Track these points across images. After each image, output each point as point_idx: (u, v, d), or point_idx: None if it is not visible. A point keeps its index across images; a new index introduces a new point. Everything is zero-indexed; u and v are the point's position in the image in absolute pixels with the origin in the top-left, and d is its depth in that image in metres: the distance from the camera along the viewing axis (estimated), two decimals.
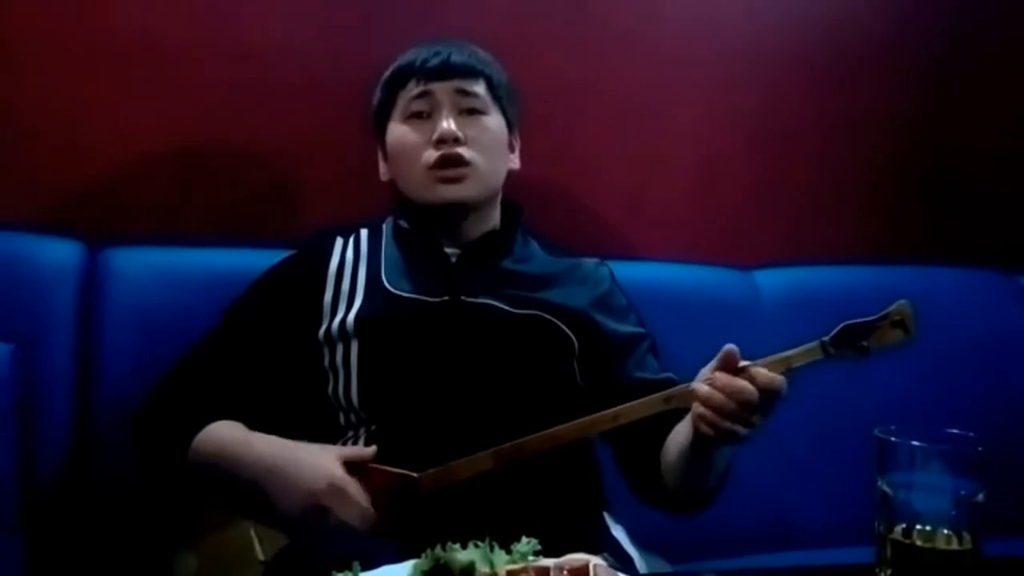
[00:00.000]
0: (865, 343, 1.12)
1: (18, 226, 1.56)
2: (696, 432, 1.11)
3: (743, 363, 1.08)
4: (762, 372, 1.07)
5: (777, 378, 1.08)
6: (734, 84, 1.96)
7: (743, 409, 1.06)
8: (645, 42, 1.90)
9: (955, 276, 1.94)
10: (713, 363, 1.11)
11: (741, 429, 1.07)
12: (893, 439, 0.89)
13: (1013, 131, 2.08)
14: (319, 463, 1.21)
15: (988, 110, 2.07)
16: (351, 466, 1.21)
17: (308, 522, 1.18)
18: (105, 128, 1.66)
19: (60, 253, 1.55)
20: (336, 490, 1.18)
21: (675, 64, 1.92)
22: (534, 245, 1.48)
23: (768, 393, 1.07)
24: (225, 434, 1.29)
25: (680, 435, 1.19)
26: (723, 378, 1.07)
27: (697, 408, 1.09)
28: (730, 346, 1.09)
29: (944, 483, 0.87)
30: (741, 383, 1.06)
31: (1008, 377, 1.88)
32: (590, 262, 1.47)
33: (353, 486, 1.19)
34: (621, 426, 1.20)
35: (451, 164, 1.35)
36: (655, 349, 1.41)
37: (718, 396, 1.07)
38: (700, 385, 1.09)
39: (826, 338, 1.13)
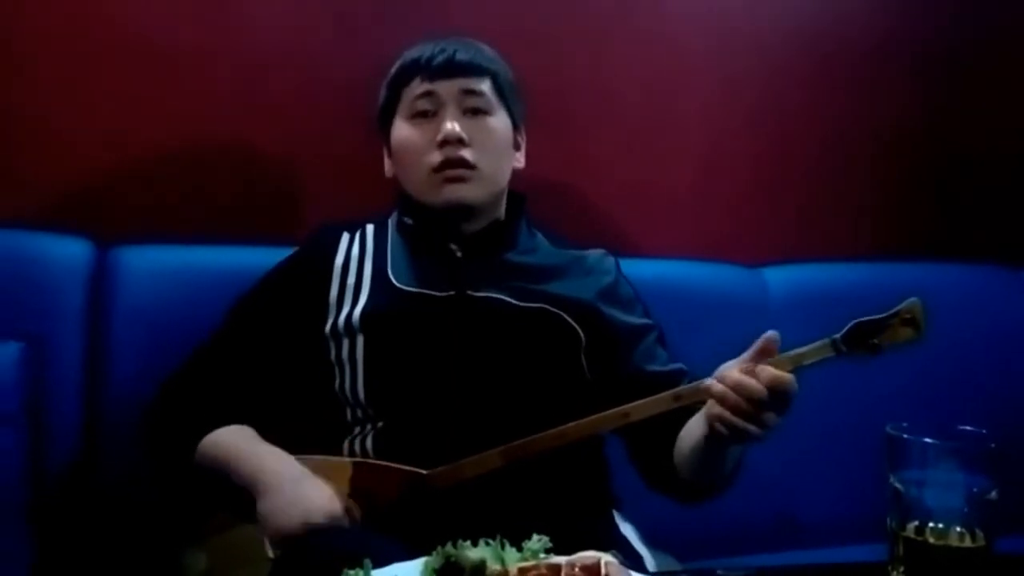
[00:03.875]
0: (876, 341, 1.12)
1: (27, 224, 1.57)
2: (710, 429, 1.11)
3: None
4: (767, 370, 1.07)
5: (784, 376, 1.07)
6: (740, 81, 1.95)
7: (755, 407, 1.06)
8: (650, 39, 1.90)
9: (964, 272, 1.94)
10: (745, 356, 1.10)
11: (754, 428, 1.07)
12: (905, 436, 0.88)
13: (1020, 126, 2.07)
14: (320, 492, 1.18)
15: (995, 104, 2.07)
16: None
17: (292, 539, 1.14)
18: (113, 126, 1.66)
19: (68, 251, 1.55)
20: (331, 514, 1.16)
21: (681, 61, 1.92)
22: (539, 237, 1.47)
23: (776, 391, 1.06)
24: (233, 440, 1.29)
25: (693, 430, 1.19)
26: (734, 376, 1.07)
27: (711, 407, 1.09)
28: (770, 332, 1.08)
29: (956, 480, 0.87)
30: (751, 381, 1.06)
31: (1018, 373, 1.87)
32: (595, 253, 1.47)
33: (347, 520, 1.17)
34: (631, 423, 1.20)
35: (455, 166, 1.35)
36: (663, 340, 1.41)
37: (731, 395, 1.07)
38: (714, 383, 1.09)
39: (837, 336, 1.12)
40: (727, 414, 1.07)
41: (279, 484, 1.20)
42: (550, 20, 1.84)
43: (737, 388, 1.06)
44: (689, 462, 1.23)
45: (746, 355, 1.10)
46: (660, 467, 1.29)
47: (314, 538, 1.10)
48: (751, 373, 1.07)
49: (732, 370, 1.08)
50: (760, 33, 1.96)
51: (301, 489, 1.18)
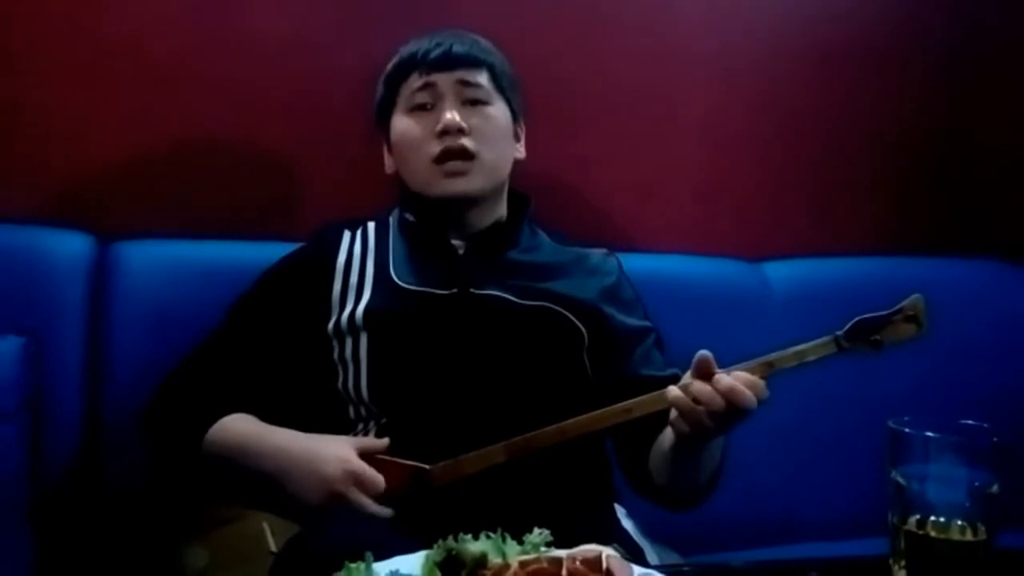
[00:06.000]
0: (878, 337, 1.12)
1: (28, 219, 1.56)
2: (672, 428, 1.14)
3: (720, 371, 1.10)
4: (724, 379, 1.09)
5: (758, 381, 1.09)
6: (742, 76, 1.95)
7: (709, 415, 1.08)
8: (653, 34, 1.90)
9: (966, 267, 1.94)
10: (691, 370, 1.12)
11: (711, 430, 1.10)
12: (907, 430, 0.88)
13: (1022, 121, 2.07)
14: (334, 451, 1.22)
15: (997, 100, 2.06)
16: (363, 456, 1.22)
17: (326, 510, 1.18)
18: (114, 121, 1.66)
19: (70, 246, 1.55)
20: (352, 476, 1.19)
21: (683, 56, 1.92)
22: (542, 235, 1.47)
23: (732, 399, 1.08)
24: (240, 427, 1.30)
25: (666, 437, 1.21)
26: (697, 386, 1.09)
27: (687, 404, 1.11)
28: (704, 352, 1.10)
29: (958, 474, 0.86)
30: (738, 387, 1.08)
31: (1020, 367, 1.87)
32: (598, 253, 1.47)
33: (368, 471, 1.20)
34: (627, 420, 1.21)
35: (455, 156, 1.35)
36: (660, 343, 1.42)
37: (685, 401, 1.10)
38: (672, 388, 1.11)
39: (839, 332, 1.13)
40: (680, 421, 1.11)
41: (299, 461, 1.22)
42: (553, 16, 1.84)
43: (695, 396, 1.09)
44: (664, 465, 1.25)
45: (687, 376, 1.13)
46: (639, 473, 1.31)
47: (315, 531, 1.10)
48: (712, 381, 1.09)
49: (697, 380, 1.10)
50: (763, 28, 1.95)
51: (318, 461, 1.21)
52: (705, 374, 1.10)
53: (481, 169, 1.36)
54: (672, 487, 1.29)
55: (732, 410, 1.08)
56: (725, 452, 1.26)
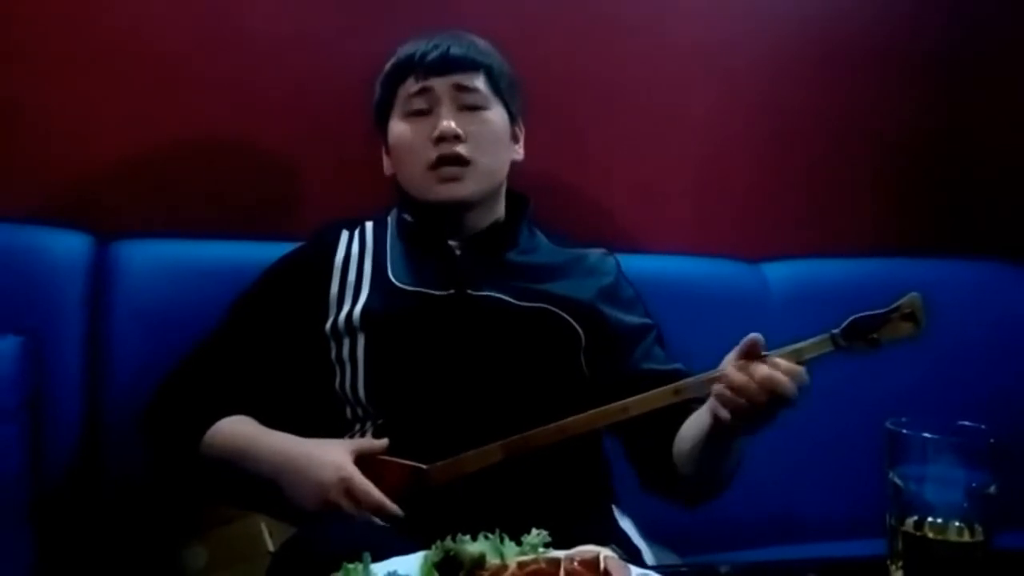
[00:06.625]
0: (875, 335, 1.12)
1: (27, 218, 1.57)
2: (715, 420, 1.11)
3: (764, 353, 1.09)
4: (783, 362, 1.08)
5: (797, 368, 1.08)
6: (742, 76, 1.95)
7: (772, 400, 1.07)
8: (653, 34, 1.90)
9: (965, 268, 1.94)
10: (735, 351, 1.10)
11: (765, 418, 1.08)
12: (905, 431, 0.88)
13: (1022, 120, 2.06)
14: (331, 457, 1.22)
15: (997, 100, 2.06)
16: (361, 459, 1.22)
17: (321, 516, 1.18)
18: (114, 121, 1.66)
19: (69, 245, 1.55)
20: (345, 484, 1.19)
21: (683, 56, 1.92)
22: (540, 236, 1.47)
23: (770, 390, 1.06)
24: (238, 430, 1.30)
25: (695, 425, 1.20)
26: (762, 369, 1.07)
27: (724, 393, 1.08)
28: (755, 335, 1.09)
29: (956, 475, 0.86)
30: (777, 375, 1.06)
31: (1019, 368, 1.87)
32: (596, 253, 1.47)
33: (361, 483, 1.19)
34: (630, 418, 1.20)
35: (450, 163, 1.35)
36: (662, 339, 1.41)
37: (752, 386, 1.07)
38: (735, 372, 1.08)
39: (836, 330, 1.13)
40: (742, 402, 1.08)
41: (296, 466, 1.22)
42: (553, 16, 1.84)
43: (761, 381, 1.07)
44: (690, 458, 1.23)
45: (731, 355, 1.11)
46: (659, 466, 1.30)
47: (313, 531, 1.10)
48: (745, 371, 1.07)
49: (753, 362, 1.08)
50: (762, 30, 1.95)
51: (314, 467, 1.21)
52: (751, 356, 1.08)
53: (476, 175, 1.36)
54: (698, 479, 1.26)
55: (772, 399, 1.06)
56: (742, 452, 1.25)
